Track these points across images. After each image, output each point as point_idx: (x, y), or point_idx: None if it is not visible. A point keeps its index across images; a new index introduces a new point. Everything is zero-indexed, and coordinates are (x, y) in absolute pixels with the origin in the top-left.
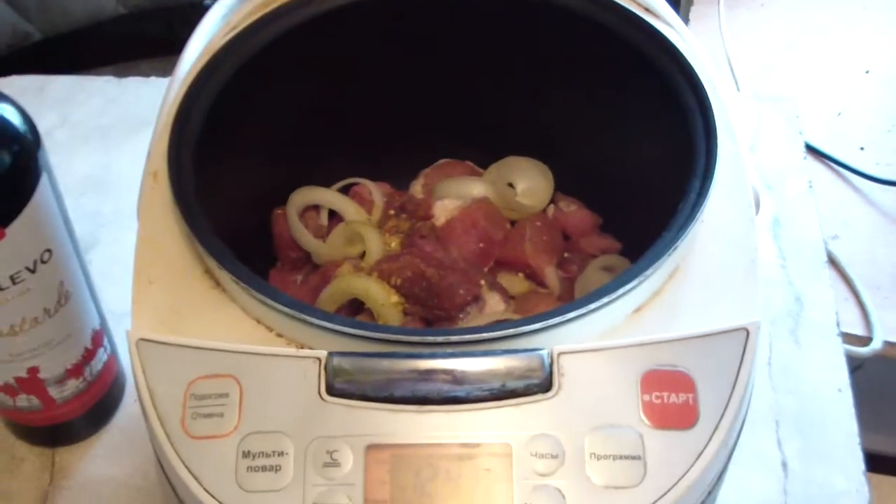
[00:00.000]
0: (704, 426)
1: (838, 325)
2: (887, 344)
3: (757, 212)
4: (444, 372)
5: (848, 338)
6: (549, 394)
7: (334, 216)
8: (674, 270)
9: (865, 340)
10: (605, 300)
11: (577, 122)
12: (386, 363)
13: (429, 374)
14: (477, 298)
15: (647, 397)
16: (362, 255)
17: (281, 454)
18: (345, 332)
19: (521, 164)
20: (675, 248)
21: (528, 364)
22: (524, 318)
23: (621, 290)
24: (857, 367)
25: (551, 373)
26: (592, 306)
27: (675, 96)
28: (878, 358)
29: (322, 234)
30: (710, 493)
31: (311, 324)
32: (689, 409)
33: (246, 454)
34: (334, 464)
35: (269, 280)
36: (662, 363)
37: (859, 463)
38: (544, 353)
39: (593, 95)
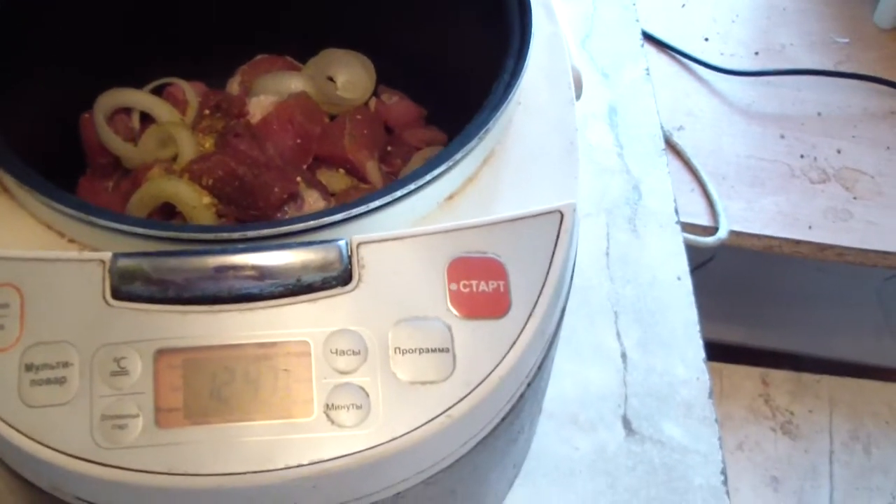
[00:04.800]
0: (517, 314)
1: (677, 212)
2: (733, 233)
3: (579, 95)
4: (236, 268)
5: (694, 228)
6: (349, 287)
7: (147, 119)
8: (489, 155)
9: (712, 231)
10: (411, 186)
11: (397, 11)
12: (173, 261)
13: (219, 272)
14: (294, 196)
15: (454, 286)
16: (176, 158)
17: (66, 365)
18: (134, 231)
19: (340, 56)
20: (488, 130)
21: (325, 256)
22: (326, 209)
23: (429, 176)
24: (708, 259)
25: (350, 264)
26: (398, 193)
27: None
28: (727, 248)
29: (134, 138)
30: (529, 384)
31: (97, 224)
32: (500, 297)
33: (29, 367)
34: (122, 372)
35: (78, 188)
36: (470, 250)
37: (699, 351)
38: (342, 243)
39: None
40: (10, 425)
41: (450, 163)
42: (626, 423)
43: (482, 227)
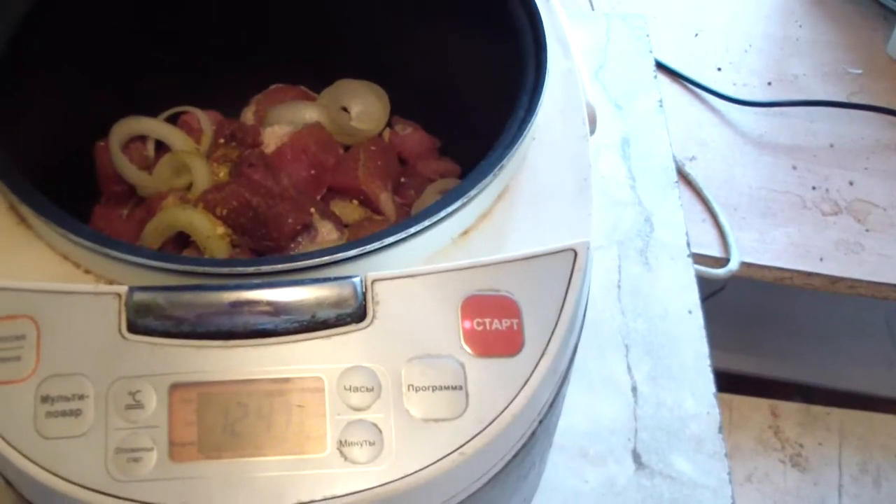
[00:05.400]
0: (530, 352)
1: (689, 245)
2: (744, 265)
3: (593, 130)
4: (251, 303)
5: (706, 259)
6: (363, 324)
7: (162, 147)
8: (503, 191)
9: (723, 262)
10: (425, 223)
11: (411, 43)
12: (188, 296)
13: (234, 307)
14: (308, 227)
15: (467, 324)
16: (191, 187)
17: (81, 397)
18: (150, 265)
19: (355, 87)
20: (502, 167)
21: (340, 293)
22: (340, 244)
23: (443, 213)
24: (719, 288)
25: (364, 301)
26: (412, 230)
27: (506, 13)
28: (738, 279)
29: (149, 167)
30: (541, 421)
31: (112, 256)
32: (514, 335)
33: (45, 399)
34: (137, 405)
35: (93, 216)
36: (484, 288)
37: (710, 385)
38: (356, 280)
39: (425, 15)
40: (25, 456)
41: (464, 199)
42: (636, 457)
43: (496, 265)
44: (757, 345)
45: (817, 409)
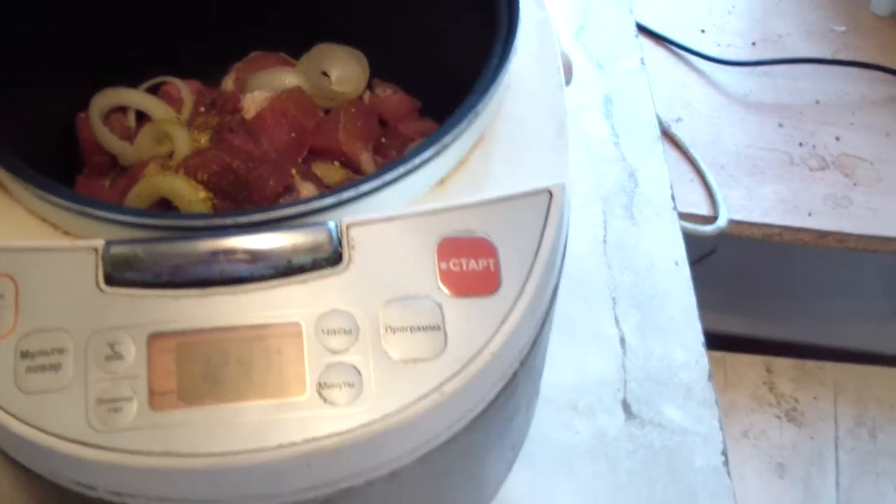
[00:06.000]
0: (507, 292)
1: (673, 198)
2: (733, 222)
3: (569, 80)
4: (227, 251)
5: (694, 218)
6: (339, 268)
7: (143, 118)
8: (479, 139)
9: (711, 220)
10: (400, 170)
11: (388, 4)
12: (164, 247)
13: (210, 256)
14: (289, 189)
15: (444, 265)
16: (172, 155)
17: (60, 351)
18: (127, 221)
19: (334, 51)
20: (476, 114)
21: (315, 238)
22: (317, 195)
23: (418, 159)
24: (711, 251)
25: (340, 246)
26: (388, 177)
27: None
28: (729, 240)
29: (130, 137)
30: (522, 362)
31: (89, 214)
32: (490, 275)
33: (24, 355)
34: (116, 356)
35: (76, 187)
36: (460, 230)
37: (698, 334)
38: (332, 224)
39: None
40: (7, 412)
41: (439, 146)
42: (626, 408)
43: (471, 207)
44: (750, 306)
45: (811, 365)
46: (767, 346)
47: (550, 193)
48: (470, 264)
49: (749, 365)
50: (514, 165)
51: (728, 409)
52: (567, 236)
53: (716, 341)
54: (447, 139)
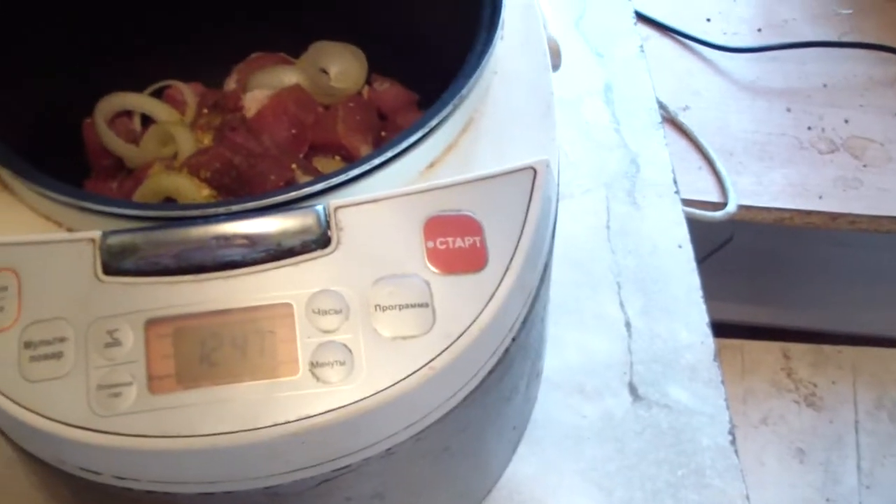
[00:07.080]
0: (494, 268)
1: (675, 182)
2: (743, 208)
3: (558, 65)
4: (217, 237)
5: (704, 205)
6: (328, 249)
7: (149, 122)
8: (468, 123)
9: (721, 207)
10: (388, 154)
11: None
12: (157, 235)
13: (201, 242)
14: (290, 183)
15: (431, 244)
16: (176, 156)
17: (62, 340)
18: (126, 213)
19: (332, 48)
20: (462, 97)
21: (303, 221)
22: (307, 181)
23: (405, 143)
24: (726, 241)
25: (328, 228)
26: (376, 161)
27: None
28: (743, 227)
29: (136, 140)
30: (514, 338)
31: (88, 209)
32: (477, 252)
33: (28, 344)
34: (115, 343)
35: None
36: (446, 208)
37: (703, 315)
38: (319, 207)
39: None
40: (12, 400)
41: (425, 129)
42: (633, 390)
43: (456, 185)
44: (767, 295)
45: (829, 349)
46: (785, 334)
47: (534, 170)
48: (456, 242)
49: (766, 351)
50: (503, 147)
51: (747, 396)
52: (556, 214)
53: (733, 330)
54: (433, 122)
